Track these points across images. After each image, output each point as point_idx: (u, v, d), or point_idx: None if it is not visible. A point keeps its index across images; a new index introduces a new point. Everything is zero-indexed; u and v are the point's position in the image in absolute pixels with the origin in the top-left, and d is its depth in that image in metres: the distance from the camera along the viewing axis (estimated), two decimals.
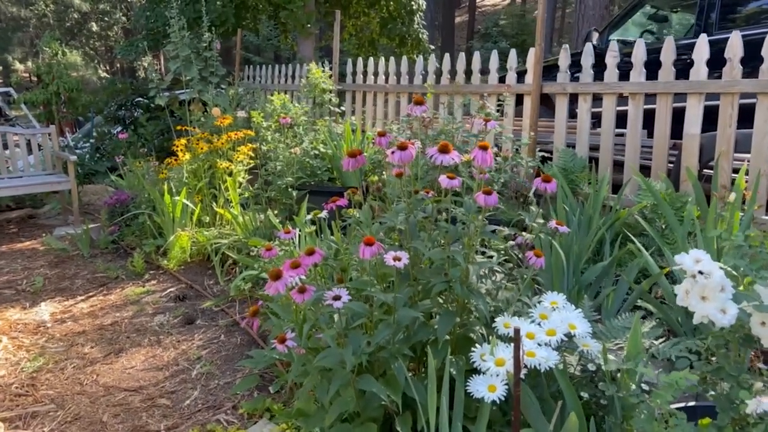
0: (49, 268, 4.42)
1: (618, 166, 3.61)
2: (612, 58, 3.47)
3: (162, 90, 6.68)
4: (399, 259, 1.55)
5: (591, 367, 1.88)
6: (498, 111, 3.12)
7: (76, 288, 4.01)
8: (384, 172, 4.25)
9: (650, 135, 3.56)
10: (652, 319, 2.35)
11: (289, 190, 3.69)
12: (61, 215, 5.91)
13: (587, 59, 3.62)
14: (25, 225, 5.67)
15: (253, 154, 4.58)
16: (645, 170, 3.45)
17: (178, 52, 6.21)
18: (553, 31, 22.34)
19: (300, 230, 3.41)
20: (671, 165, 3.37)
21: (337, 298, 1.57)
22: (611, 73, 3.49)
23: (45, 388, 2.76)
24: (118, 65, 27.84)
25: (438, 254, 1.69)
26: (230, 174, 4.52)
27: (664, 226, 2.84)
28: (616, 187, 3.59)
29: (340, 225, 2.27)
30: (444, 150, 1.69)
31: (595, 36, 5.62)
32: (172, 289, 3.91)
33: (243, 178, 4.55)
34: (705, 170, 3.30)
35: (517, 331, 1.51)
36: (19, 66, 21.85)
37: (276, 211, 3.88)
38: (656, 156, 3.31)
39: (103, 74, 24.35)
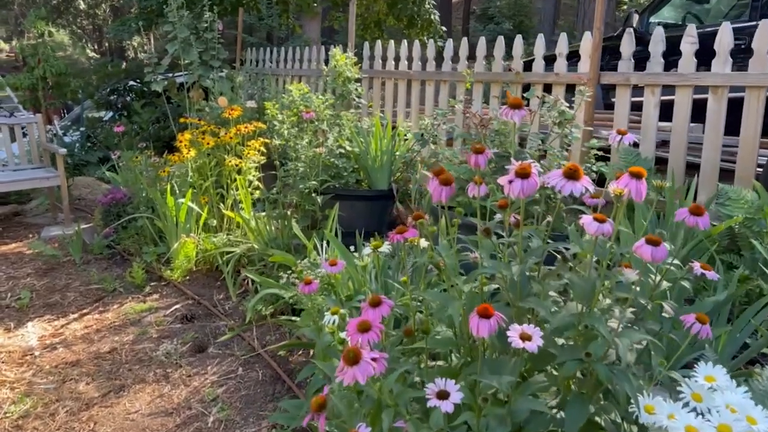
0: (37, 277, 3.94)
1: (690, 168, 3.16)
2: (689, 45, 3.00)
3: (158, 73, 6.15)
4: (529, 338, 1.09)
5: None
6: (570, 107, 2.65)
7: (67, 303, 3.53)
8: (416, 171, 3.78)
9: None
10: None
11: (313, 195, 3.22)
12: (49, 212, 5.41)
13: (657, 46, 3.15)
14: (9, 224, 5.16)
15: (264, 150, 4.10)
16: (724, 174, 3.00)
17: (177, 33, 5.68)
18: (555, 11, 21.69)
19: (330, 246, 2.95)
20: (759, 169, 2.92)
21: (443, 395, 1.11)
22: (688, 62, 3.02)
23: None
24: (107, 45, 26.99)
25: (568, 321, 1.24)
26: (239, 172, 4.04)
27: None
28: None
29: (373, 248, 1.79)
30: (572, 175, 1.23)
31: (635, 19, 5.14)
32: (177, 306, 3.44)
33: (254, 176, 4.07)
34: None
35: None
36: (3, 45, 21.02)
37: (296, 217, 3.41)
38: (743, 158, 2.86)
39: (92, 54, 23.56)
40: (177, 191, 3.91)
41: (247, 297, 3.48)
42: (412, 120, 4.57)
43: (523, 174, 1.19)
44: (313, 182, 3.20)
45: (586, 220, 1.15)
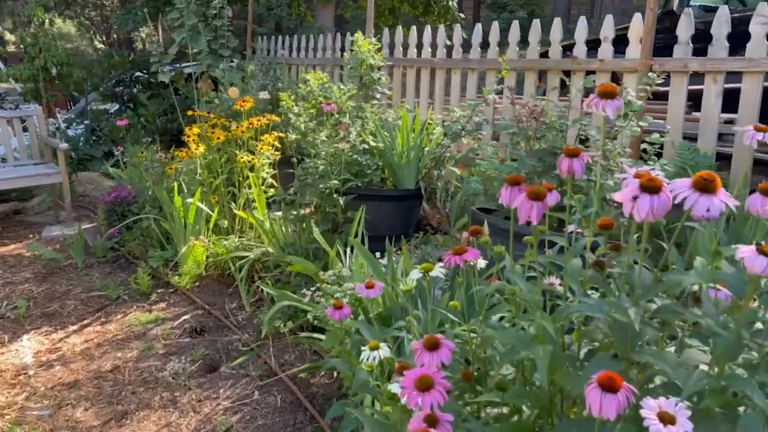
0: (36, 282, 3.66)
1: (756, 165, 2.83)
2: (760, 26, 2.65)
3: (165, 64, 5.86)
4: (672, 421, 0.78)
5: None
6: (632, 95, 2.31)
7: (67, 313, 3.25)
8: (443, 168, 3.46)
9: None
10: None
11: (334, 195, 2.91)
12: (51, 210, 5.13)
13: (722, 28, 2.80)
14: (9, 223, 4.89)
15: (279, 145, 3.80)
16: None
17: (184, 20, 5.37)
18: (569, 1, 21.16)
19: (354, 253, 2.64)
20: None
21: None
22: (758, 45, 2.68)
23: None
24: (115, 36, 26.68)
25: (705, 384, 0.92)
26: (252, 168, 3.74)
27: None
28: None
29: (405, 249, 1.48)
30: (706, 187, 0.91)
31: (675, 2, 4.78)
32: (186, 317, 3.14)
33: (267, 173, 3.77)
34: None
35: None
36: (9, 37, 20.76)
37: (314, 219, 3.11)
38: None
39: (100, 46, 23.30)
40: (185, 190, 3.62)
41: (262, 307, 3.19)
42: (436, 112, 4.25)
43: (653, 188, 0.87)
44: (335, 181, 2.89)
45: (748, 253, 0.83)
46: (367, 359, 1.43)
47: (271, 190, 3.69)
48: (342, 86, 3.29)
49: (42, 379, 2.60)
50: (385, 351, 1.43)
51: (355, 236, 2.76)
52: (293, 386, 2.43)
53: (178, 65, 6.74)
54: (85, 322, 3.14)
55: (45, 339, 2.97)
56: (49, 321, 3.16)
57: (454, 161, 3.39)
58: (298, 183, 2.99)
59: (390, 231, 3.10)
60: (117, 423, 2.29)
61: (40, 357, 2.80)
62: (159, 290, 3.48)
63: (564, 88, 3.32)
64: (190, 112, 3.87)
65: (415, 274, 1.38)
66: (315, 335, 2.51)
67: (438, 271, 1.37)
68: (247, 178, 3.74)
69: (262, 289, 3.22)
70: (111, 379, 2.59)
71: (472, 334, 1.38)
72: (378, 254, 2.63)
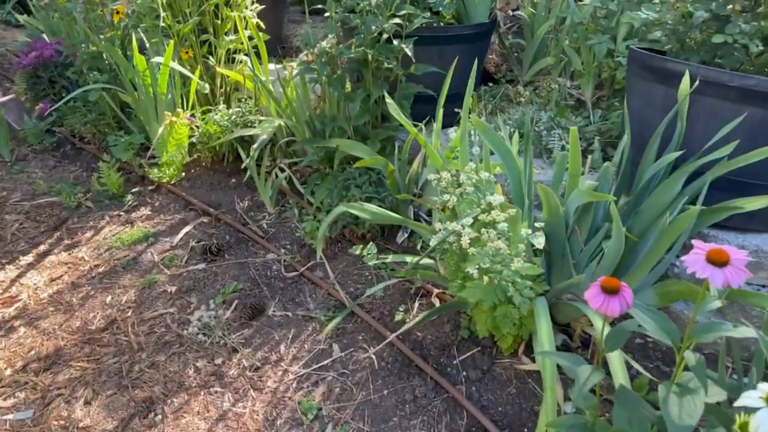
0: None
1: None
2: None
3: None
4: None
5: None
6: None
7: (11, 236, 2.30)
8: None
9: None
10: None
11: (393, 43, 1.94)
12: None
13: None
14: None
15: None
16: None
17: None
18: None
19: (458, 132, 1.79)
20: None
21: None
22: None
23: None
24: None
25: None
26: (228, 5, 2.66)
27: None
28: None
29: None
30: None
31: None
32: (187, 229, 2.27)
33: (252, 10, 2.71)
34: None
35: None
36: None
37: (361, 87, 2.17)
38: None
39: None
40: (146, 44, 2.53)
41: (287, 205, 2.34)
42: None
43: None
44: (397, 20, 1.91)
45: None
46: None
47: (263, 34, 2.65)
48: None
49: (5, 353, 1.76)
50: None
51: (445, 104, 1.88)
52: (397, 340, 1.68)
53: None
54: (42, 248, 2.23)
55: None
56: None
57: None
58: (333, 25, 1.99)
59: (456, 87, 2.22)
60: (142, 421, 1.52)
61: None
62: (134, 189, 2.54)
63: None
64: None
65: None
66: (424, 262, 1.72)
67: None
68: (225, 19, 2.67)
69: (273, 169, 2.35)
70: (111, 344, 1.77)
71: None
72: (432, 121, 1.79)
